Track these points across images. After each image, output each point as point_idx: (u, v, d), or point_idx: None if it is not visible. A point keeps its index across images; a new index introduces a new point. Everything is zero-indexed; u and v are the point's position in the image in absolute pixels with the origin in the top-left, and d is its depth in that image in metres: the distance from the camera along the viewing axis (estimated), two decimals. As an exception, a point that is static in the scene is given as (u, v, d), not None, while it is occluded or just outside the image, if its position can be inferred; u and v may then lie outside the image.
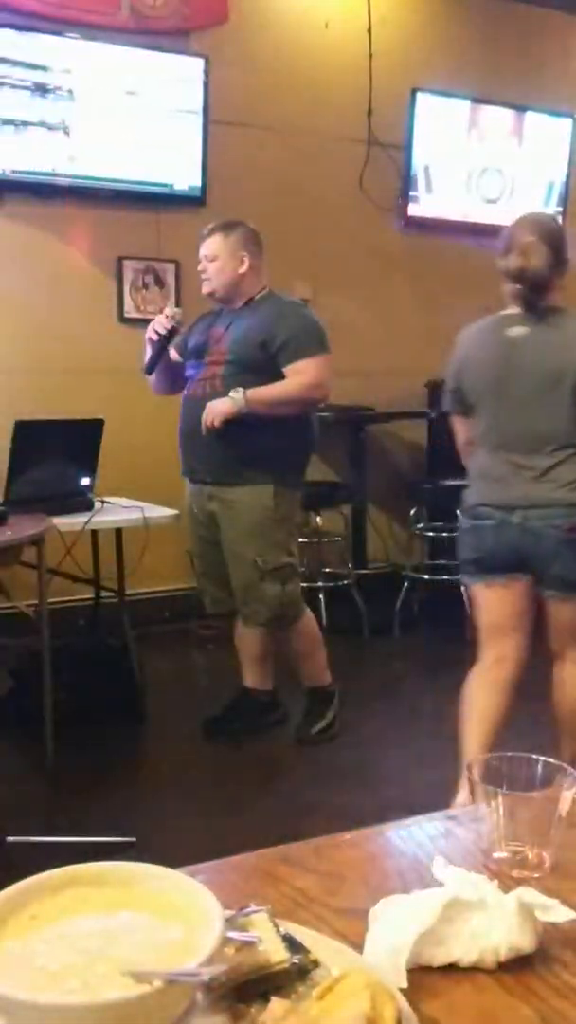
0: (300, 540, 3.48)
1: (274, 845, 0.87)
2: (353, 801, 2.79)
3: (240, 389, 3.00)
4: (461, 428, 2.83)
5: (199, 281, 3.19)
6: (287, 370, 3.05)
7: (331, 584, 4.65)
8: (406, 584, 4.76)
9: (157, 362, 3.21)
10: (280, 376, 3.05)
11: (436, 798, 0.95)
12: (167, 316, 3.14)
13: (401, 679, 4.40)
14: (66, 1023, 0.54)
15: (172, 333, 3.15)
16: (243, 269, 3.12)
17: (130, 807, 2.81)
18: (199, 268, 3.18)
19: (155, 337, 3.15)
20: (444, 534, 4.84)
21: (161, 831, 2.56)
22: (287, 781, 3.07)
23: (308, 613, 3.32)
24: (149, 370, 3.24)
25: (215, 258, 3.12)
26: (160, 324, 3.14)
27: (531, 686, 3.90)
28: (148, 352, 3.22)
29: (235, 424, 3.00)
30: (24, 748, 3.22)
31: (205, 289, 3.17)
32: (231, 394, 3.00)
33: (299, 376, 3.04)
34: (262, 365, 3.04)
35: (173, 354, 3.26)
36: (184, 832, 2.57)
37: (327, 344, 3.11)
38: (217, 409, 3.01)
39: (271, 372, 3.05)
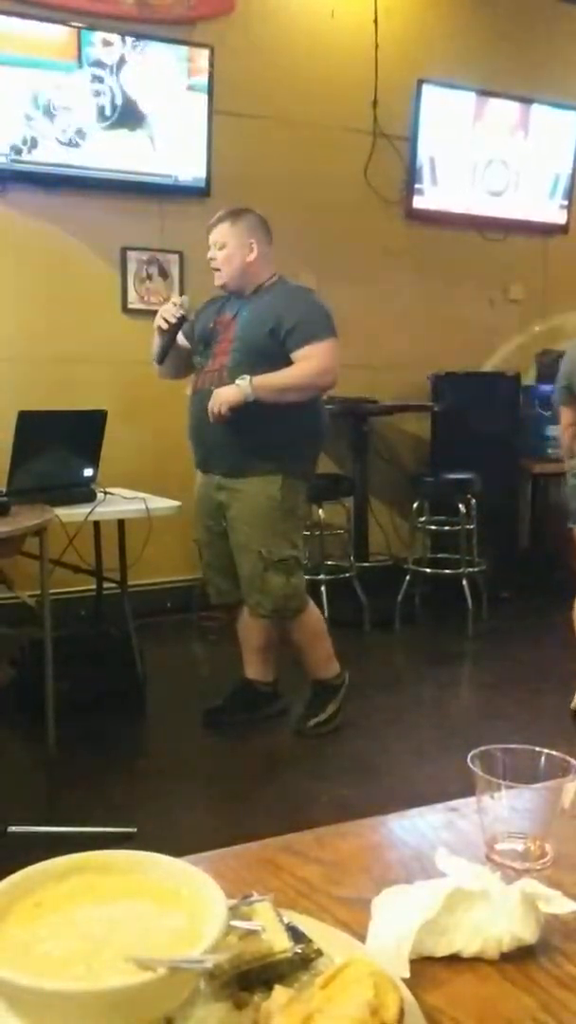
0: (304, 533, 3.46)
1: (276, 835, 0.87)
2: (355, 792, 2.79)
3: (246, 376, 2.97)
4: (567, 414, 3.59)
5: (209, 270, 3.18)
6: (295, 356, 3.02)
7: (333, 576, 4.65)
8: (408, 577, 4.76)
9: (167, 351, 3.20)
10: (288, 363, 3.03)
11: (437, 789, 0.96)
12: (175, 304, 3.12)
13: (402, 671, 4.41)
14: (70, 1009, 0.54)
15: (181, 321, 3.13)
16: (252, 256, 3.10)
17: (131, 797, 2.82)
18: (208, 256, 3.15)
19: (164, 326, 3.14)
20: (446, 528, 4.84)
21: (162, 821, 2.57)
22: (289, 772, 3.07)
23: (312, 606, 3.30)
24: (160, 359, 3.23)
25: (223, 245, 3.10)
26: (168, 313, 3.12)
27: (533, 683, 3.91)
28: (157, 341, 3.21)
29: (244, 413, 2.98)
30: (26, 738, 3.23)
31: (217, 281, 3.16)
32: (237, 381, 2.98)
33: (307, 362, 3.01)
34: (271, 352, 3.02)
35: (181, 339, 3.24)
36: (185, 822, 2.58)
37: (335, 329, 3.08)
38: (223, 396, 2.99)
39: (280, 360, 3.02)
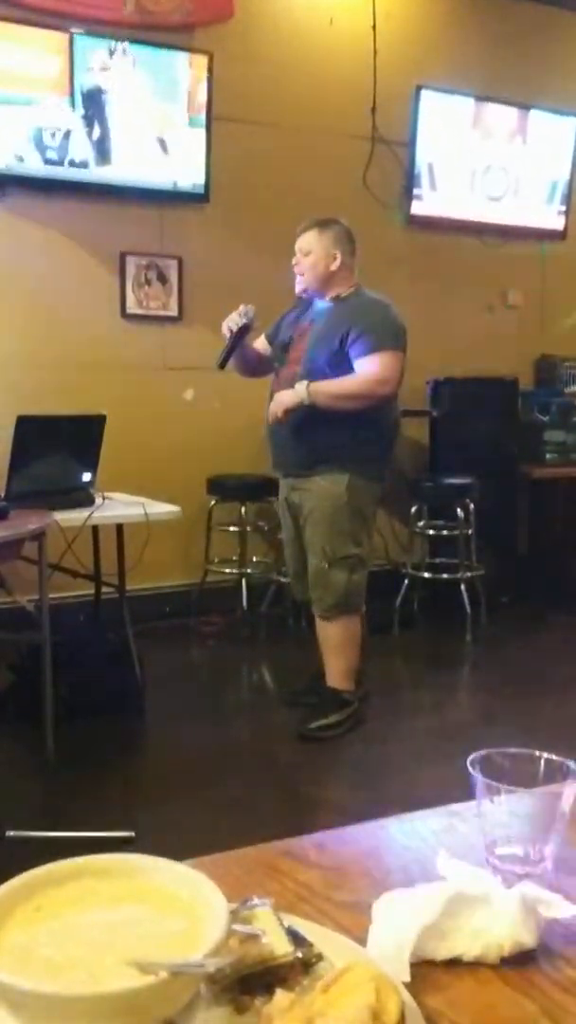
0: (371, 533, 3.50)
1: (276, 839, 0.87)
2: (354, 796, 2.79)
3: (304, 381, 3.06)
4: None
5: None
6: (357, 364, 3.08)
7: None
8: (406, 582, 4.76)
9: (228, 357, 3.26)
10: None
11: (437, 793, 0.96)
12: (239, 313, 3.18)
13: (401, 676, 4.42)
14: (72, 1013, 0.54)
15: (245, 330, 3.20)
16: (335, 266, 3.16)
17: (130, 802, 2.82)
18: (293, 262, 3.22)
19: (228, 333, 3.20)
20: (444, 532, 4.84)
21: (161, 826, 2.56)
22: (288, 776, 3.07)
23: (359, 615, 3.35)
24: (221, 365, 3.29)
25: (309, 252, 3.17)
26: (232, 321, 3.19)
27: (532, 687, 3.91)
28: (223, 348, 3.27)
29: (307, 415, 3.07)
30: (24, 743, 3.23)
31: (298, 288, 3.23)
32: (296, 386, 3.08)
33: (365, 371, 3.08)
34: (339, 361, 3.09)
35: (262, 344, 3.35)
36: (184, 827, 2.58)
37: (402, 343, 3.15)
38: (280, 400, 3.11)
39: (347, 371, 3.10)
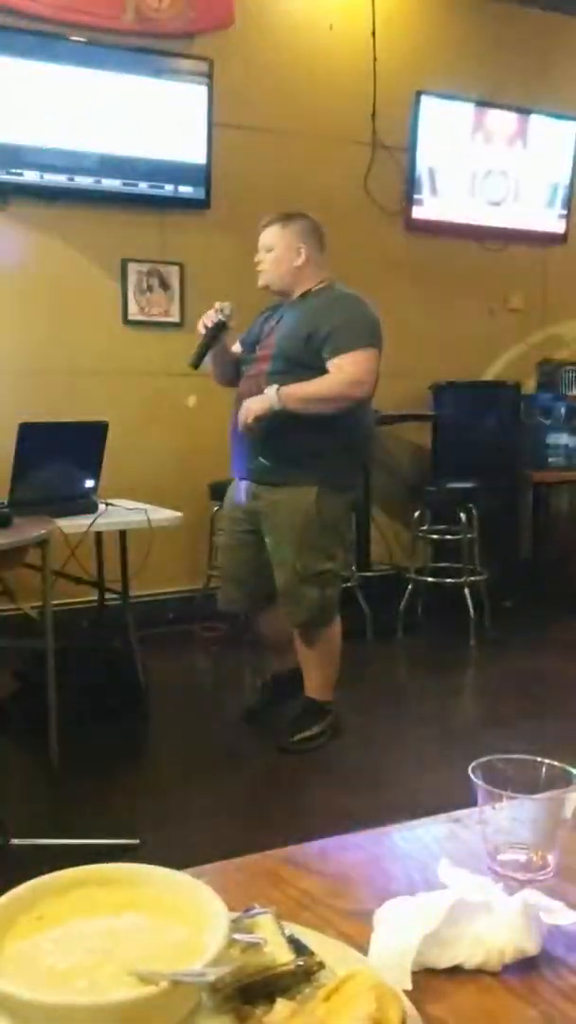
0: (345, 544, 3.44)
1: (278, 847, 0.87)
2: (356, 803, 2.79)
3: (275, 386, 2.90)
4: None
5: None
6: (329, 365, 2.93)
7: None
8: (410, 586, 4.76)
9: (203, 355, 3.09)
10: (325, 372, 2.94)
11: (439, 800, 0.96)
12: (215, 310, 3.03)
13: (404, 680, 4.41)
14: (73, 1022, 0.54)
15: (220, 327, 3.04)
16: (299, 261, 3.04)
17: (134, 808, 2.82)
18: (256, 259, 3.10)
19: (202, 330, 3.05)
20: (447, 536, 4.84)
21: (164, 833, 2.56)
22: (290, 783, 3.06)
23: (337, 625, 3.23)
24: (195, 364, 3.12)
25: (272, 248, 3.06)
26: (208, 317, 3.04)
27: (535, 692, 3.90)
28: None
29: (279, 422, 2.91)
30: (28, 750, 3.23)
31: (260, 283, 3.10)
32: (266, 390, 2.91)
33: (339, 371, 2.91)
34: (306, 361, 2.94)
35: (238, 349, 3.19)
36: (188, 834, 2.58)
37: (377, 340, 2.99)
38: (250, 407, 2.92)
39: (318, 368, 2.93)
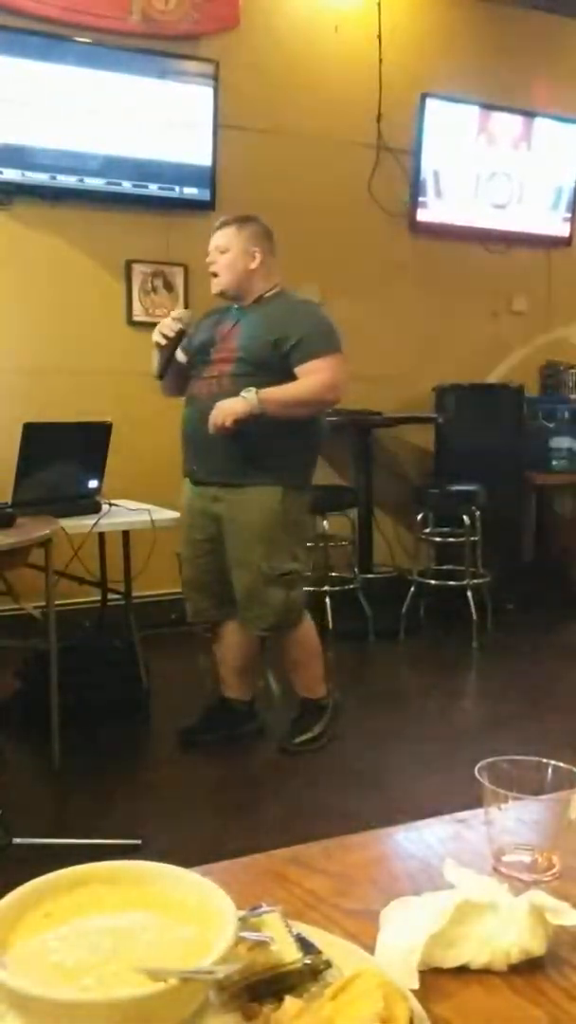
0: (307, 544, 3.43)
1: (283, 847, 0.87)
2: (360, 804, 2.79)
3: (252, 389, 2.89)
4: None
5: (208, 277, 3.14)
6: (299, 370, 2.95)
7: (337, 588, 4.65)
8: (412, 588, 4.76)
9: (168, 366, 3.12)
10: (291, 376, 2.97)
11: (444, 801, 0.96)
12: (174, 319, 3.05)
13: (407, 683, 4.41)
14: (81, 1019, 0.54)
15: (180, 336, 3.06)
16: (254, 265, 3.04)
17: (136, 808, 2.82)
18: (208, 260, 3.09)
19: (162, 341, 3.06)
20: (450, 539, 4.84)
21: (167, 833, 2.56)
22: (294, 784, 3.06)
23: (308, 622, 3.21)
24: (160, 374, 3.14)
25: (226, 250, 3.04)
26: (167, 327, 3.04)
27: (538, 694, 3.90)
28: (156, 356, 3.14)
29: (244, 424, 2.91)
30: (31, 749, 3.23)
31: (215, 289, 3.10)
32: (243, 394, 2.90)
33: (313, 376, 2.95)
34: (273, 365, 2.96)
35: (180, 354, 3.15)
36: (190, 834, 2.58)
37: (340, 344, 3.03)
38: (228, 408, 2.90)
39: (281, 372, 2.96)
